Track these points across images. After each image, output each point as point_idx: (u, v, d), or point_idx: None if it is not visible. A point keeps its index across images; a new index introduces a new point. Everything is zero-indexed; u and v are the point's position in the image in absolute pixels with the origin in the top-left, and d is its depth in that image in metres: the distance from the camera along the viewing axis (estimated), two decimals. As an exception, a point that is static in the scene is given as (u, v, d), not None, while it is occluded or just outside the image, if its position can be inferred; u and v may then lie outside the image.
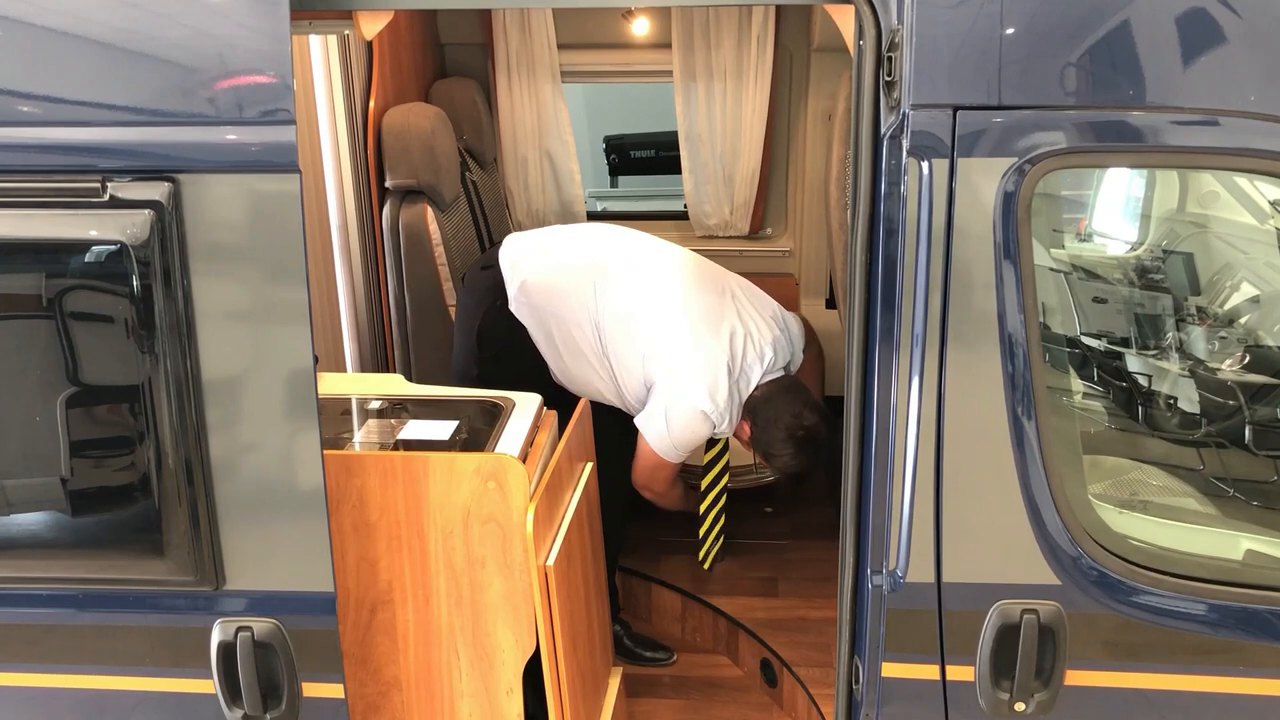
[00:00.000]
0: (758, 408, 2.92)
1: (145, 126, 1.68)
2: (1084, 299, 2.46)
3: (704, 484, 3.40)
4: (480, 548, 2.12)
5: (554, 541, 2.25)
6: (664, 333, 2.90)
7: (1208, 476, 2.20)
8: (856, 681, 1.95)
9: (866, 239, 1.76)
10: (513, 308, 3.02)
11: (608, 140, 6.09)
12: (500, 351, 3.06)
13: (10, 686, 2.00)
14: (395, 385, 2.56)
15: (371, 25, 1.84)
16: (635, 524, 3.63)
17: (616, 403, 3.05)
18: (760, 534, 3.90)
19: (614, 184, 6.20)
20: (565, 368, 3.02)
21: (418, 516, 2.11)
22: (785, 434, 2.90)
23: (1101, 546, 1.77)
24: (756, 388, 2.91)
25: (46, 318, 1.74)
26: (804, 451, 2.92)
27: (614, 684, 2.85)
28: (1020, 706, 1.81)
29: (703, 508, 3.44)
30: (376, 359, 4.14)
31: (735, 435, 3.04)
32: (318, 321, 2.82)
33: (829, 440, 2.88)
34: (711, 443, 3.27)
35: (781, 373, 2.99)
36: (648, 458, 2.97)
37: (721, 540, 3.56)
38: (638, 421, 2.93)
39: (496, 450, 2.14)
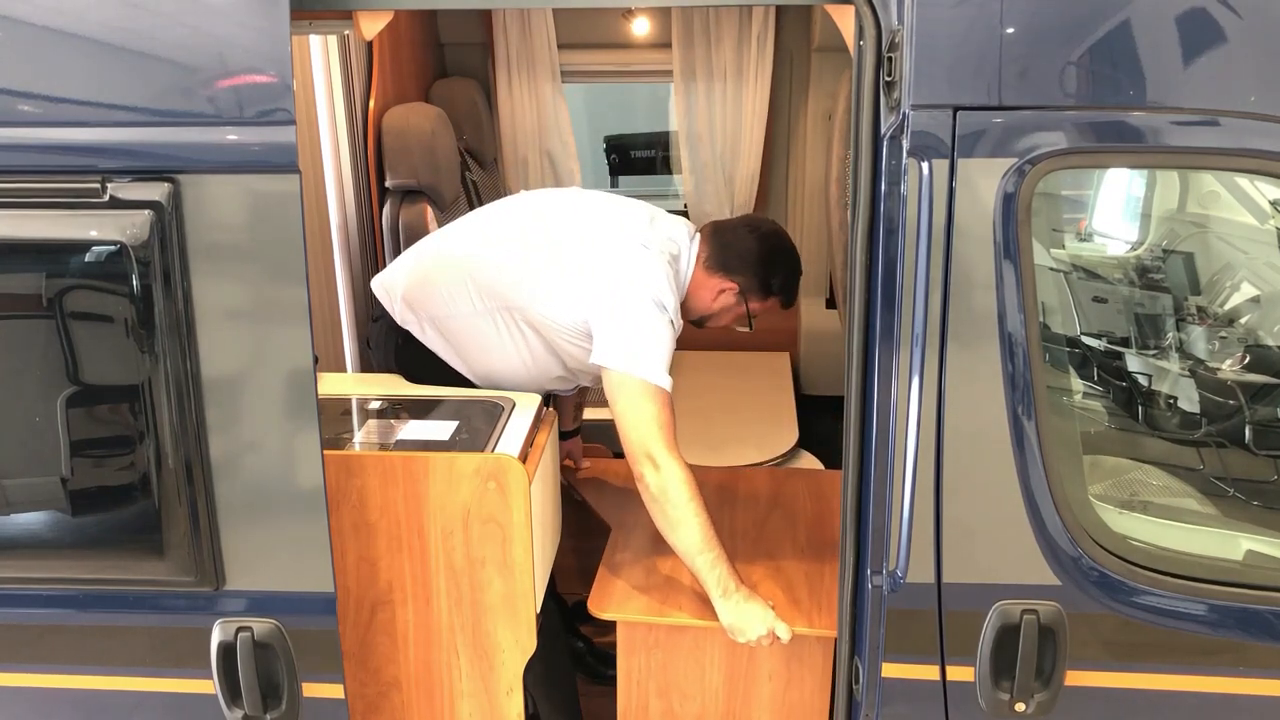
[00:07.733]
0: (714, 255, 2.65)
1: (145, 126, 1.68)
2: (1084, 299, 2.46)
3: None
4: (480, 548, 2.12)
5: None
6: (587, 247, 2.54)
7: (1208, 476, 2.20)
8: (856, 682, 1.95)
9: (866, 239, 1.76)
10: (405, 325, 2.66)
11: (608, 140, 6.09)
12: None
13: (10, 686, 2.00)
14: (395, 385, 2.56)
15: (371, 25, 1.84)
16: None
17: (554, 376, 2.66)
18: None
19: (614, 184, 6.20)
20: (488, 366, 2.63)
21: (418, 516, 2.11)
22: (752, 237, 2.67)
23: (1101, 547, 1.77)
24: (696, 257, 2.65)
25: (46, 318, 1.74)
26: (779, 248, 2.72)
27: None
28: (1020, 707, 1.81)
29: None
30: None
31: (706, 314, 2.72)
32: (318, 321, 2.82)
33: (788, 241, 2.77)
34: None
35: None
36: (630, 392, 2.29)
37: None
38: (599, 359, 2.37)
39: (496, 450, 2.14)
